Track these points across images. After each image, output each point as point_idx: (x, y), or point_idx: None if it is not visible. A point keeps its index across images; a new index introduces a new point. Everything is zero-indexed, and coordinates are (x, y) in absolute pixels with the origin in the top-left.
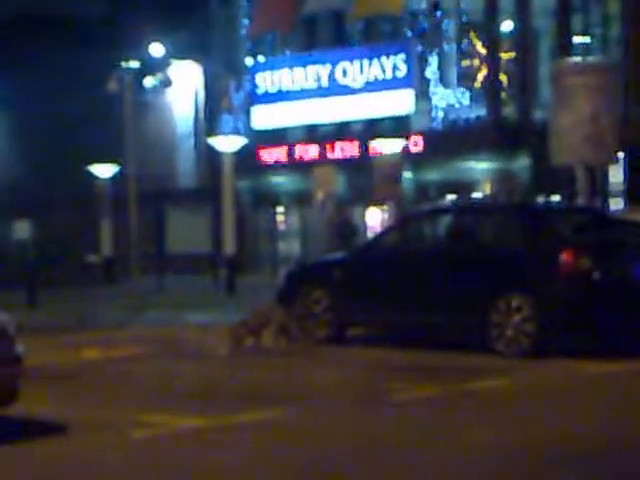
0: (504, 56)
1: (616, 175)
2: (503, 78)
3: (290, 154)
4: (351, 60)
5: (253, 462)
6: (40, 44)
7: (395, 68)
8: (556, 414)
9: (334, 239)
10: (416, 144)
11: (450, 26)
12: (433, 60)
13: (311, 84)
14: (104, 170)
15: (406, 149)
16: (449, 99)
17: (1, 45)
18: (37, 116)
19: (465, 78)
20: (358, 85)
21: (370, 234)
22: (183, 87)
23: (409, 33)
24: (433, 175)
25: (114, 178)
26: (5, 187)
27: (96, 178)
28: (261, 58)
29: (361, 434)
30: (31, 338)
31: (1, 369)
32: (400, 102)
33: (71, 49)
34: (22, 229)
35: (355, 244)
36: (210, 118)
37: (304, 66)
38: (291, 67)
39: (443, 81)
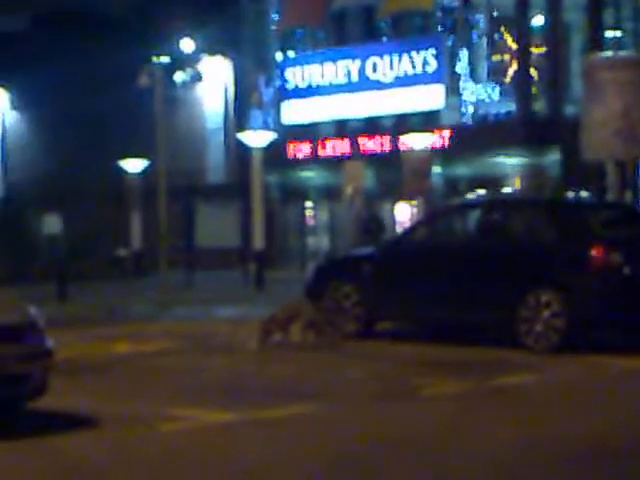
0: (535, 51)
1: None
2: (534, 73)
3: (320, 149)
4: (381, 55)
5: (281, 456)
6: (71, 39)
7: (425, 63)
8: (585, 411)
9: (361, 234)
10: (444, 139)
11: (481, 21)
12: (463, 55)
13: (341, 79)
14: (134, 165)
15: (436, 144)
16: (479, 94)
17: (32, 40)
18: (68, 111)
19: (495, 73)
20: (388, 80)
21: (399, 229)
22: (213, 82)
23: (440, 28)
24: (463, 170)
25: (144, 173)
26: (36, 181)
27: (126, 173)
28: (291, 53)
29: (389, 429)
30: (61, 331)
31: (31, 362)
32: (430, 97)
33: (102, 44)
34: (52, 223)
35: (381, 239)
36: (240, 113)
37: (334, 61)
38: (321, 62)
39: (473, 76)
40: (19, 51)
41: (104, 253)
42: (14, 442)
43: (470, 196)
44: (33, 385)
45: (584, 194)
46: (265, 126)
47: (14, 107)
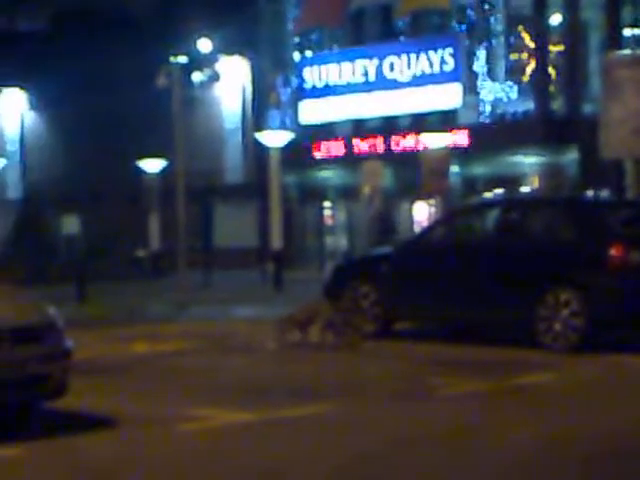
0: (553, 49)
1: None
2: (552, 71)
3: (337, 149)
4: (399, 54)
5: (300, 456)
6: (89, 40)
7: (443, 62)
8: (604, 410)
9: (375, 234)
10: (462, 138)
11: (498, 19)
12: (481, 54)
13: (358, 78)
14: (152, 165)
15: (453, 143)
16: (497, 93)
17: (50, 41)
18: (86, 111)
19: (513, 72)
20: (406, 79)
21: (417, 229)
22: (231, 82)
23: (457, 27)
24: (480, 169)
25: (162, 173)
26: (54, 182)
27: (144, 173)
28: (309, 53)
29: (407, 428)
30: (80, 332)
31: (51, 363)
32: (448, 96)
33: (120, 44)
34: (71, 224)
35: (392, 240)
36: (258, 113)
37: (352, 60)
38: (339, 62)
39: (491, 75)
40: (37, 51)
41: (122, 253)
42: (33, 442)
43: (488, 195)
44: (52, 385)
45: (603, 193)
46: (283, 126)
47: (33, 108)
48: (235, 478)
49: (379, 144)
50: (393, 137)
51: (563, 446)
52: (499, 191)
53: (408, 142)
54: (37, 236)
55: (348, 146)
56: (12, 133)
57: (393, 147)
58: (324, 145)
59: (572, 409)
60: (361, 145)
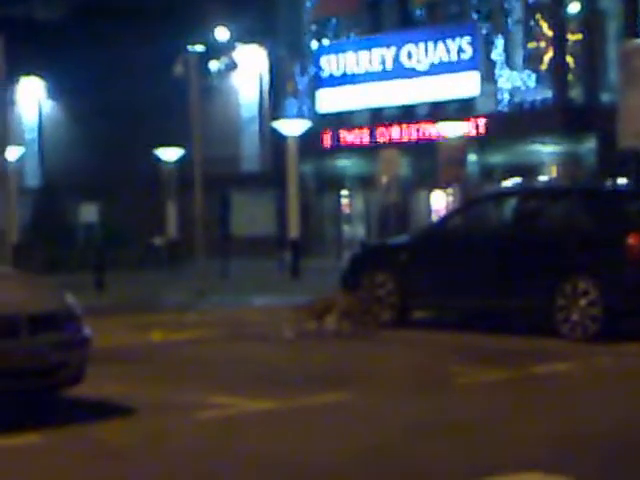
0: (571, 38)
1: None
2: (569, 60)
3: (355, 137)
4: (416, 42)
5: (318, 445)
6: (106, 28)
7: (460, 50)
8: (623, 400)
9: (388, 224)
10: (479, 127)
11: (516, 8)
12: (499, 42)
13: (376, 67)
14: (170, 154)
15: (471, 132)
16: (515, 81)
17: (69, 30)
18: (104, 100)
19: (531, 60)
20: (423, 68)
21: (434, 217)
22: (248, 71)
23: (475, 15)
24: (498, 158)
25: (180, 162)
26: (72, 171)
27: (162, 162)
28: (326, 41)
29: (426, 417)
30: (98, 320)
31: (69, 351)
32: (465, 84)
33: (137, 33)
34: (89, 212)
35: (401, 230)
36: (275, 102)
37: (369, 49)
38: (356, 50)
39: (509, 63)
40: (55, 40)
41: (140, 242)
42: (52, 430)
43: (506, 184)
44: (70, 373)
45: (621, 181)
46: (300, 114)
47: (51, 96)
48: (253, 466)
49: (396, 133)
50: (411, 126)
51: (582, 437)
52: (517, 180)
53: (426, 131)
54: (55, 224)
55: (365, 135)
56: (30, 122)
57: (410, 136)
58: (341, 134)
59: (591, 399)
60: (378, 134)
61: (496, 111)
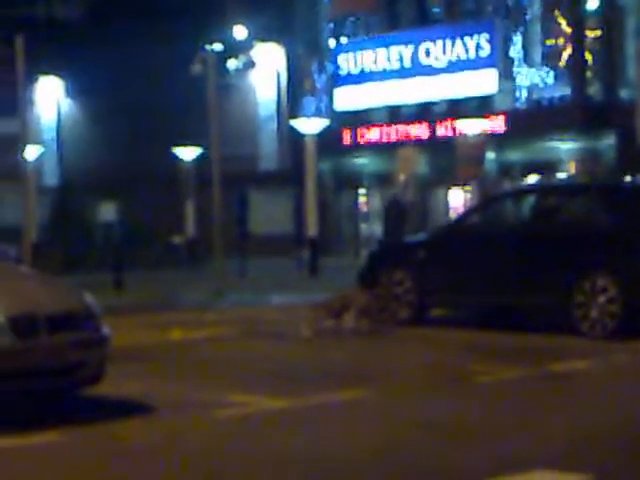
0: (589, 34)
1: None
2: (588, 57)
3: (373, 135)
4: (434, 40)
5: (335, 442)
6: (125, 27)
7: (478, 47)
8: None
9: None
10: (498, 124)
11: (535, 4)
12: (517, 39)
13: (394, 65)
14: (188, 152)
15: (489, 129)
16: (533, 78)
17: (87, 28)
18: (122, 99)
19: (549, 57)
20: (441, 65)
21: (453, 215)
22: (266, 69)
23: (493, 12)
24: (516, 155)
25: (198, 160)
26: (91, 169)
27: (180, 160)
28: (344, 39)
29: (445, 415)
30: (117, 319)
31: (88, 350)
32: (483, 82)
33: (155, 32)
34: (108, 211)
35: (406, 228)
36: (293, 100)
37: (387, 47)
38: (374, 48)
39: (527, 60)
40: (74, 39)
41: (159, 241)
42: (71, 428)
43: (524, 182)
44: (89, 372)
45: None
46: (318, 113)
47: (69, 95)
48: (271, 464)
49: (414, 130)
50: (429, 123)
51: (601, 434)
52: (535, 177)
53: (444, 128)
54: (74, 223)
55: (383, 133)
56: (49, 121)
57: (428, 133)
58: (359, 132)
59: (610, 396)
60: (396, 132)
61: (514, 108)
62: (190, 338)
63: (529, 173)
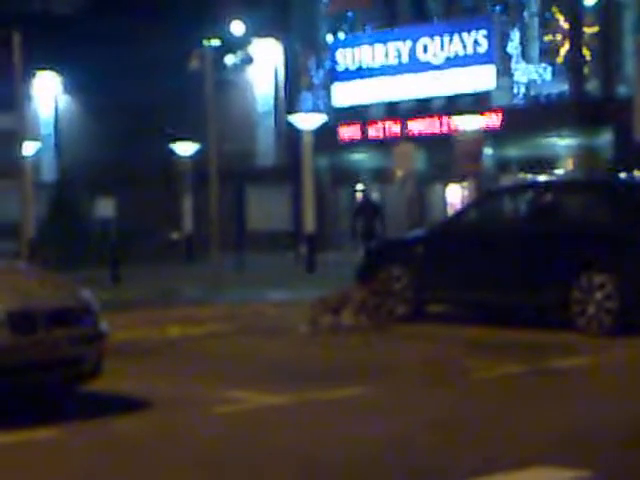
0: (587, 30)
1: None
2: (586, 53)
3: (370, 131)
4: (432, 36)
5: (334, 438)
6: (122, 24)
7: (476, 44)
8: (637, 393)
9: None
10: (495, 120)
11: (532, 0)
12: (515, 35)
13: (392, 61)
14: (185, 148)
15: (487, 125)
16: (531, 75)
17: (84, 24)
18: (119, 94)
19: (547, 53)
20: (439, 61)
21: (450, 211)
22: (263, 65)
23: (491, 8)
24: (514, 151)
25: (195, 156)
26: (88, 165)
27: (177, 156)
28: (341, 35)
29: (442, 411)
30: (114, 315)
31: (85, 345)
32: (481, 78)
33: (153, 28)
34: (105, 207)
35: (379, 226)
36: (290, 96)
37: (384, 43)
38: (371, 44)
39: (525, 56)
40: (71, 35)
41: (156, 237)
42: (69, 424)
43: (522, 178)
44: (87, 368)
45: (638, 174)
46: (315, 108)
47: (67, 91)
48: (270, 460)
49: (412, 126)
50: (426, 119)
51: (598, 430)
52: (533, 173)
53: (441, 124)
54: (71, 219)
55: (381, 129)
56: (46, 117)
57: (426, 129)
58: (357, 128)
59: (607, 392)
60: (394, 128)
61: (512, 104)
62: (188, 334)
63: (527, 169)
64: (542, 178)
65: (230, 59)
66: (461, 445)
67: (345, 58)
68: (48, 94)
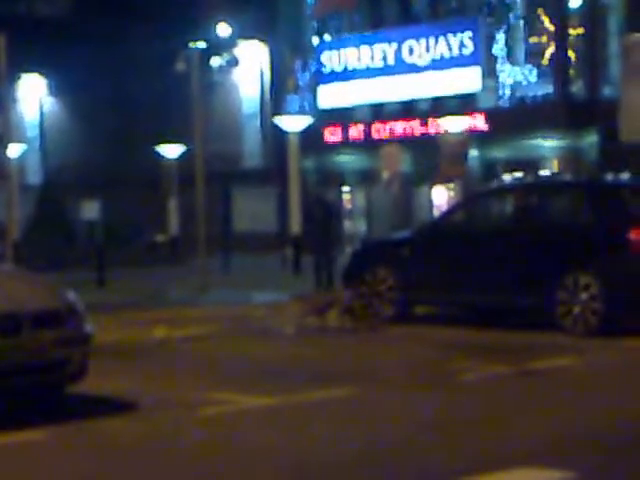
0: (572, 32)
1: None
2: (571, 55)
3: (356, 133)
4: (417, 38)
5: (321, 440)
6: (107, 26)
7: (462, 45)
8: (624, 395)
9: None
10: (481, 122)
11: (518, 2)
12: (500, 37)
13: (377, 63)
14: (171, 150)
15: (472, 127)
16: (516, 76)
17: (69, 26)
18: (105, 96)
19: (533, 55)
20: (425, 63)
21: (436, 213)
22: (249, 67)
23: (476, 10)
24: (500, 153)
25: (181, 158)
26: (74, 167)
27: (163, 158)
28: (327, 37)
29: (429, 413)
30: (100, 316)
31: (71, 347)
32: (467, 80)
33: (139, 30)
34: (91, 209)
35: (336, 228)
36: (276, 98)
37: (370, 44)
38: (357, 46)
39: (510, 58)
40: (56, 37)
41: (142, 239)
42: (56, 426)
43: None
44: (72, 369)
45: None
46: (301, 110)
47: (52, 93)
48: (257, 462)
49: (398, 128)
50: (412, 121)
51: (584, 432)
52: (518, 175)
53: (427, 126)
54: (57, 221)
55: (367, 130)
56: (32, 119)
57: (412, 131)
58: (343, 129)
59: (593, 393)
60: (380, 129)
61: (498, 106)
62: (174, 336)
63: (512, 171)
64: (528, 179)
65: (216, 61)
66: (448, 446)
67: (331, 60)
68: (33, 96)
